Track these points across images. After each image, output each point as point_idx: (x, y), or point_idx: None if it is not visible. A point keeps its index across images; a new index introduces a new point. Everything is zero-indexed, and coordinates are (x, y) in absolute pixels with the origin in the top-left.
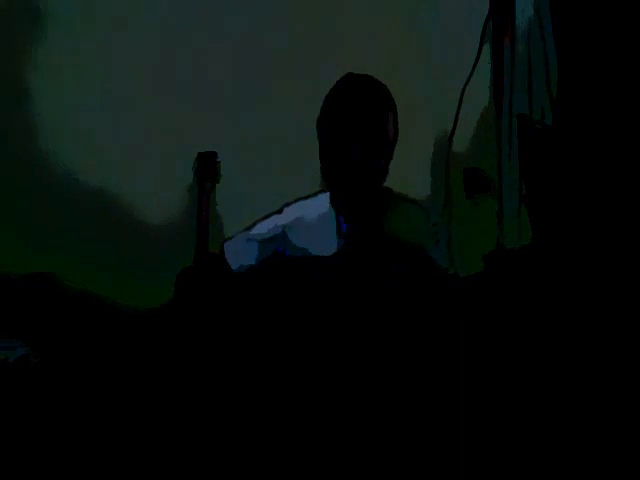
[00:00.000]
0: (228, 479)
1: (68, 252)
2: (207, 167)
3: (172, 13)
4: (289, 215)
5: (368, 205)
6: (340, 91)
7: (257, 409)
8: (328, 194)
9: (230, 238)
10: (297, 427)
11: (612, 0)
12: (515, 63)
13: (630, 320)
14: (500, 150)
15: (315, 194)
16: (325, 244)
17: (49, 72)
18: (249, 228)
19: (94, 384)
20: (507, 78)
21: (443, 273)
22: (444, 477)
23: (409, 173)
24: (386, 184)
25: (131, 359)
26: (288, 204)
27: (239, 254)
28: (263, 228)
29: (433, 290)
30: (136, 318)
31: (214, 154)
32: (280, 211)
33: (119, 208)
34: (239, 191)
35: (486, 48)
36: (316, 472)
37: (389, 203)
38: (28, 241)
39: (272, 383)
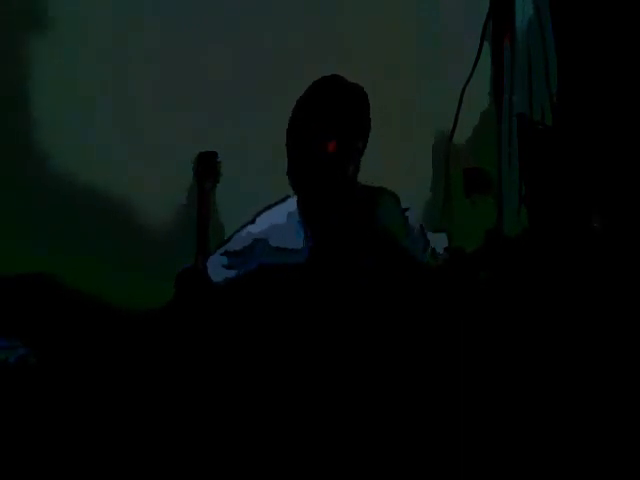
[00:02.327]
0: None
1: (68, 252)
2: (207, 167)
3: (172, 13)
4: (261, 225)
5: (336, 202)
6: (314, 91)
7: (256, 409)
8: (295, 198)
9: (212, 253)
10: (291, 429)
11: (612, 0)
12: (515, 63)
13: (630, 320)
14: (500, 150)
15: (283, 199)
16: (297, 248)
17: (49, 72)
18: (227, 241)
19: (94, 384)
20: (507, 78)
21: (415, 262)
22: (444, 477)
23: (409, 173)
24: (386, 184)
25: (131, 359)
26: (260, 213)
27: (219, 268)
28: (238, 240)
29: (406, 281)
30: (136, 318)
31: (214, 154)
32: (253, 221)
33: (119, 208)
34: (239, 191)
35: (486, 48)
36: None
37: (358, 196)
38: (28, 241)
39: (269, 384)
